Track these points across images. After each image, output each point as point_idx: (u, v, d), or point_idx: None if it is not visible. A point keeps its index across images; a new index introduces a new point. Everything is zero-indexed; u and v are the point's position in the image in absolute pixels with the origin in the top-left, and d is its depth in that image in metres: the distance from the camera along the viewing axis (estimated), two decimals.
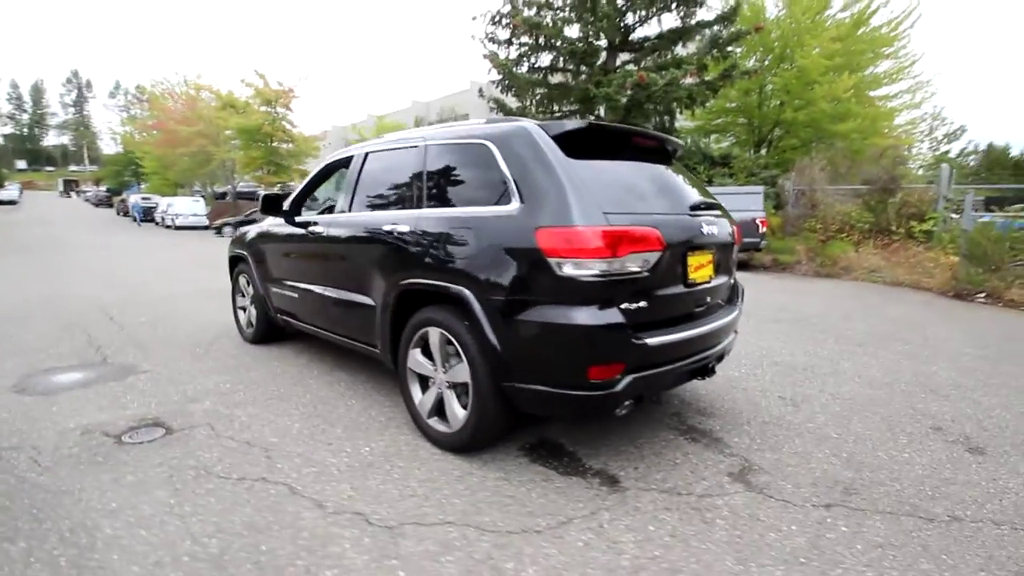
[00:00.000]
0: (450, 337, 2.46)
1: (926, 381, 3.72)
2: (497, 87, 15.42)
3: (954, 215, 9.72)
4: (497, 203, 2.36)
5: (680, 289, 2.39)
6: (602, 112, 15.58)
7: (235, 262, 4.71)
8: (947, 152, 29.77)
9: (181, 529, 1.97)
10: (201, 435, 2.78)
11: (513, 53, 16.00)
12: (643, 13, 15.13)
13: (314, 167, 3.88)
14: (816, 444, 2.73)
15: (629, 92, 12.86)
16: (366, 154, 3.29)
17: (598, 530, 1.99)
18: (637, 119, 14.02)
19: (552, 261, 2.09)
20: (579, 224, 2.07)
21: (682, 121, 17.83)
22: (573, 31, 15.43)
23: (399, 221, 2.78)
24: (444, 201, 2.64)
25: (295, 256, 3.80)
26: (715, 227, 2.61)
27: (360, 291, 3.05)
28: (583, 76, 14.95)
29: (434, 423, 2.64)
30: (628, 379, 2.15)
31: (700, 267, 2.50)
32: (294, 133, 23.90)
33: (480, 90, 16.06)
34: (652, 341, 2.18)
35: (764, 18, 15.37)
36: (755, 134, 17.68)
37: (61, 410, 3.09)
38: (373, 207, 3.11)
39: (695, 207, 2.58)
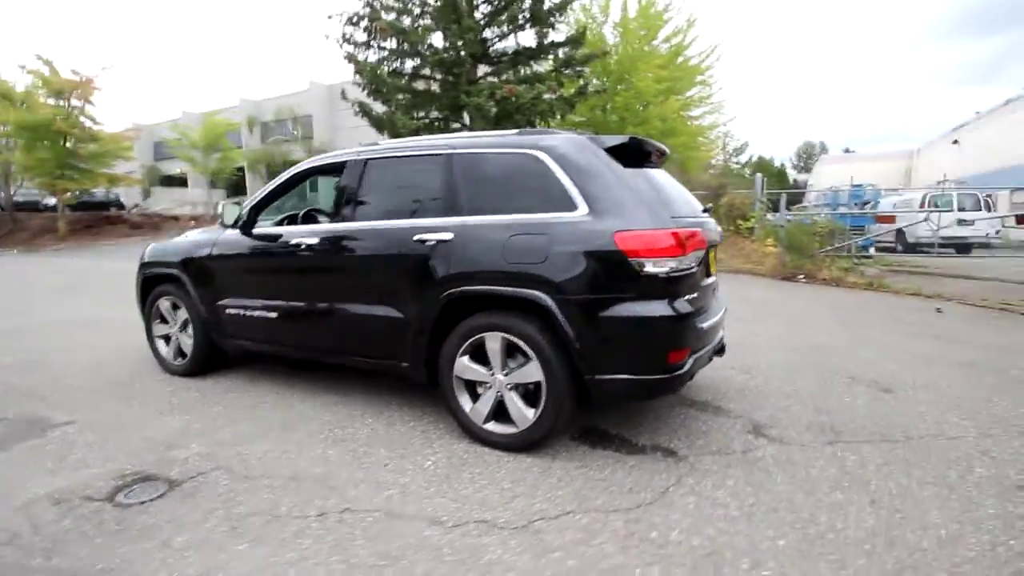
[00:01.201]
0: (514, 340, 2.54)
1: (816, 344, 4.74)
2: (363, 90, 14.88)
3: (769, 215, 12.11)
4: (557, 210, 2.51)
5: (708, 281, 2.80)
6: (467, 119, 16.10)
7: (152, 283, 4.00)
8: (738, 162, 36.47)
9: (340, 572, 1.77)
10: (222, 480, 2.42)
11: (372, 56, 15.67)
12: (502, 29, 15.91)
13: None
14: (784, 400, 3.37)
15: (498, 103, 13.42)
16: (365, 160, 3.13)
17: (695, 492, 2.27)
18: (506, 128, 14.70)
19: (633, 261, 2.32)
20: (656, 227, 2.34)
21: None
22: (436, 39, 15.65)
23: (435, 229, 2.74)
24: (488, 209, 2.68)
25: (269, 272, 3.41)
26: (714, 228, 3.08)
27: (381, 304, 2.91)
28: (450, 85, 15.16)
29: (492, 427, 2.68)
30: (691, 360, 2.48)
31: (712, 263, 2.94)
32: (98, 131, 19.99)
33: (343, 92, 15.37)
34: (703, 325, 2.55)
35: (605, 45, 17.21)
36: None
37: None
38: (386, 216, 2.99)
39: (704, 210, 3.03)
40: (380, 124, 15.83)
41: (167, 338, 4.03)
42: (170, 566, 1.83)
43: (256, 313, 3.40)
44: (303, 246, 3.16)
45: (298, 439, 2.84)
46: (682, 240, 2.37)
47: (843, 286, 8.30)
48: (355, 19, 15.57)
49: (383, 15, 14.63)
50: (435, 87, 15.94)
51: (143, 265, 4.02)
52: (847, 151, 51.80)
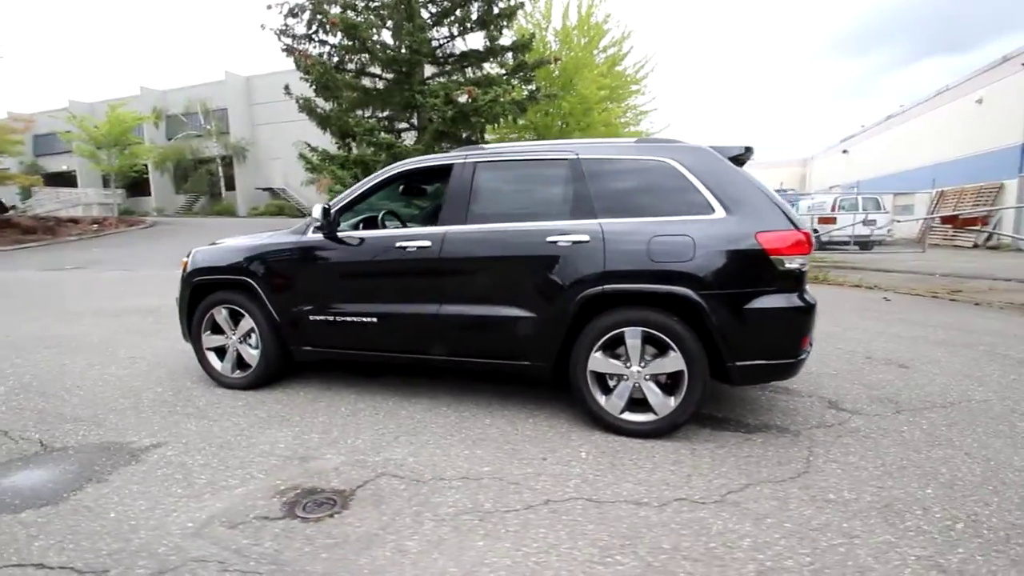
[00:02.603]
0: (654, 333, 2.75)
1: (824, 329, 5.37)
2: (311, 86, 14.22)
3: None
4: (694, 213, 2.75)
5: None
6: (415, 120, 15.95)
7: (203, 291, 3.73)
8: None
9: (597, 555, 1.87)
10: (397, 486, 2.40)
11: (313, 50, 15.05)
12: (452, 31, 15.93)
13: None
14: (832, 379, 3.85)
15: (460, 103, 13.42)
16: (474, 164, 3.18)
17: (832, 459, 2.60)
18: (462, 130, 14.74)
19: (774, 258, 2.62)
20: (793, 228, 2.65)
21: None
22: (385, 37, 15.34)
23: (570, 231, 2.87)
24: (622, 212, 2.86)
25: (368, 276, 3.33)
26: None
27: (509, 304, 2.98)
28: (401, 83, 14.91)
29: (628, 416, 2.86)
30: (810, 346, 2.83)
31: None
32: None
33: (287, 87, 14.55)
34: None
35: (551, 52, 17.75)
36: None
37: (128, 514, 2.21)
38: (506, 218, 3.07)
39: None
40: (325, 122, 15.24)
41: (220, 350, 3.77)
42: (424, 569, 1.84)
43: (351, 319, 3.31)
44: (414, 248, 3.14)
45: (434, 442, 2.85)
46: (809, 239, 2.70)
47: None
48: (296, 11, 14.92)
49: (332, 9, 14.10)
50: (380, 84, 15.62)
51: (193, 273, 3.72)
52: None
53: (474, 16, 15.46)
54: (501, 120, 15.38)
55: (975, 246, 16.97)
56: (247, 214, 31.01)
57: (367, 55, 15.00)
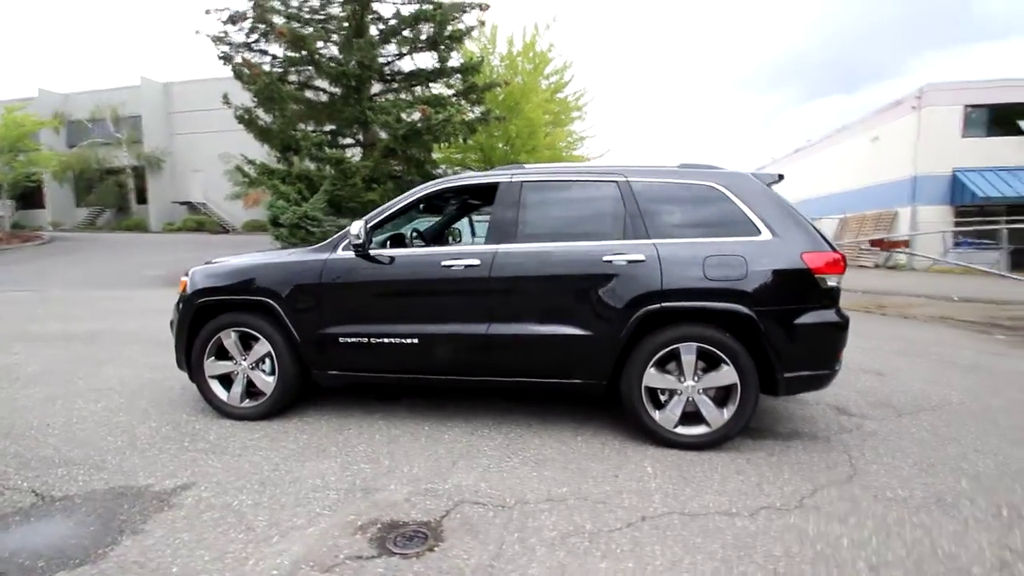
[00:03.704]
0: (708, 348, 2.87)
1: None
2: (254, 97, 13.52)
3: None
4: (742, 234, 2.92)
5: None
6: (362, 136, 15.61)
7: (207, 314, 3.41)
8: None
9: (722, 568, 1.89)
10: (484, 513, 2.31)
11: (254, 59, 14.41)
12: (401, 49, 15.84)
13: None
14: (828, 388, 4.16)
15: (415, 122, 13.31)
16: (521, 183, 3.18)
17: (871, 460, 2.82)
18: (414, 148, 14.59)
19: (817, 277, 2.84)
20: (830, 249, 2.89)
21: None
22: (332, 51, 14.98)
23: (626, 251, 2.95)
24: (674, 233, 2.98)
25: (406, 296, 3.20)
26: None
27: (563, 323, 2.99)
28: (350, 99, 14.57)
29: (681, 430, 2.94)
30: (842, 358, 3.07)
31: None
32: None
33: (225, 96, 13.71)
34: None
35: (500, 75, 18.12)
36: (490, 167, 20.48)
37: (194, 568, 1.98)
38: (556, 237, 3.09)
39: None
40: (266, 135, 14.56)
41: (224, 378, 3.46)
42: None
43: (389, 340, 3.16)
44: (461, 267, 3.08)
45: (495, 466, 2.77)
46: (844, 260, 2.95)
47: None
48: (236, 18, 14.22)
49: (275, 19, 13.57)
50: (324, 98, 15.18)
51: (197, 294, 3.40)
52: None
53: (424, 36, 15.49)
54: (451, 140, 15.42)
55: (876, 266, 19.11)
56: (161, 229, 28.59)
57: (313, 68, 14.55)
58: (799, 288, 2.86)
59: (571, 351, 3.00)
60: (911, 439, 3.14)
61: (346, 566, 1.95)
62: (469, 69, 16.07)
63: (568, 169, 3.28)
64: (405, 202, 3.32)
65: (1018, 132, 19.08)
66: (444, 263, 3.12)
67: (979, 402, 3.84)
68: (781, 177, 3.22)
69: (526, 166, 3.35)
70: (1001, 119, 19.31)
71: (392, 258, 3.25)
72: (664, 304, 2.88)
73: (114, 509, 2.38)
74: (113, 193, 28.92)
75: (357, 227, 3.10)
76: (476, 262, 3.08)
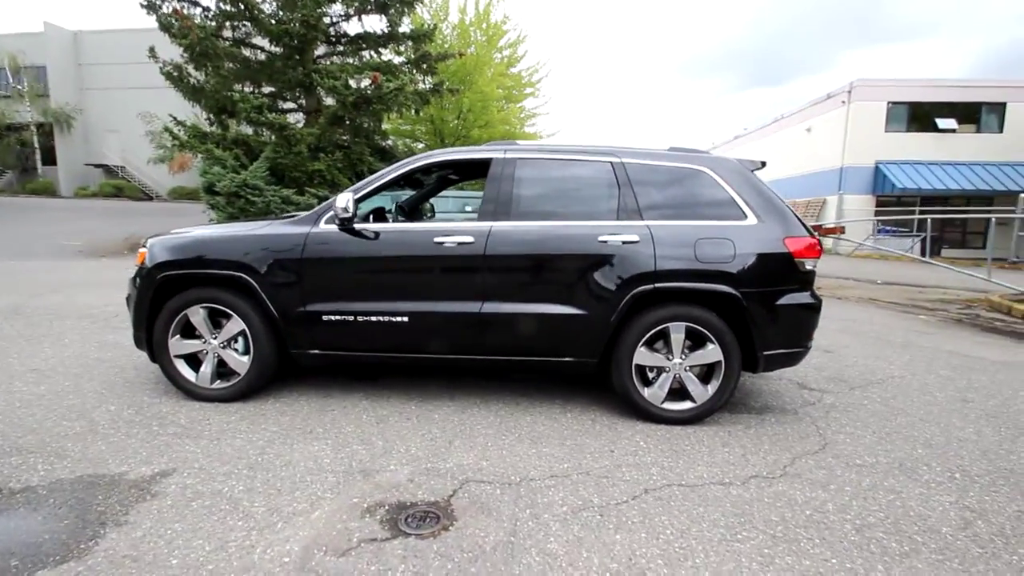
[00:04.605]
0: (694, 327, 2.98)
1: None
2: (184, 52, 12.38)
3: None
4: (730, 218, 3.02)
5: None
6: (304, 101, 14.77)
7: (171, 289, 3.16)
8: None
9: (727, 534, 1.99)
10: (493, 492, 2.31)
11: (184, 11, 13.19)
12: (347, 10, 15.00)
13: None
14: None
15: (365, 89, 12.71)
16: (515, 160, 3.13)
17: (839, 431, 3.05)
18: (364, 117, 13.97)
19: (797, 260, 2.99)
20: (809, 235, 3.05)
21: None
22: (270, 6, 13.95)
23: (620, 231, 2.98)
24: (665, 215, 3.04)
25: (397, 272, 3.08)
26: None
27: (558, 302, 3.00)
28: (293, 60, 13.69)
29: (669, 405, 3.06)
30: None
31: None
32: None
33: (152, 49, 12.49)
34: None
35: (453, 45, 17.57)
36: (441, 142, 20.01)
37: (196, 559, 1.87)
38: (549, 216, 3.07)
39: None
40: (198, 94, 13.46)
41: (191, 357, 3.23)
42: (586, 569, 1.83)
43: (376, 318, 3.06)
44: (454, 244, 3.00)
45: (493, 443, 2.78)
46: (821, 245, 3.13)
47: None
48: None
49: None
50: (262, 57, 14.20)
51: (159, 267, 3.12)
52: None
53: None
54: (403, 111, 14.90)
55: None
56: (73, 194, 26.03)
57: (251, 23, 13.51)
58: (780, 271, 3.01)
59: (565, 330, 3.03)
60: (866, 411, 3.43)
61: (363, 549, 1.90)
62: (421, 36, 15.46)
63: (562, 147, 3.25)
64: (394, 175, 3.18)
65: (935, 129, 20.84)
66: (437, 239, 3.03)
67: (917, 378, 4.23)
68: (763, 164, 3.35)
69: (519, 142, 3.30)
70: (920, 116, 21.00)
71: (378, 233, 3.12)
72: (657, 284, 2.95)
73: (87, 500, 2.19)
74: (14, 152, 25.92)
75: (344, 199, 2.94)
76: (470, 239, 3.01)
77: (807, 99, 23.61)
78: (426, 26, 15.83)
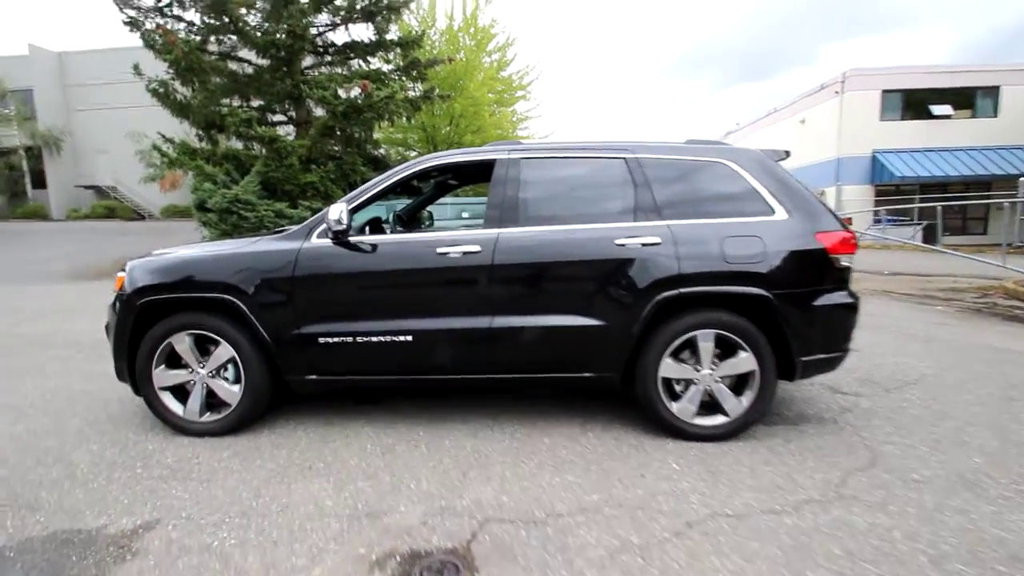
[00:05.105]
0: (724, 334, 2.74)
1: None
2: (170, 68, 12.15)
3: None
4: (756, 214, 2.79)
5: None
6: (295, 113, 14.56)
7: (153, 315, 2.90)
8: None
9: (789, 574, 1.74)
10: (517, 533, 2.06)
11: (167, 24, 12.99)
12: (334, 19, 14.81)
13: None
14: None
15: (355, 98, 12.49)
16: (520, 160, 2.89)
17: (884, 441, 2.81)
18: (355, 126, 13.74)
19: (832, 257, 2.75)
20: (843, 228, 2.81)
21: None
22: (255, 18, 13.74)
23: (639, 233, 2.74)
24: (686, 213, 2.80)
25: (399, 287, 2.83)
26: None
27: (575, 313, 2.75)
28: (280, 72, 13.47)
29: (700, 421, 2.81)
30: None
31: None
32: None
33: (136, 66, 12.23)
34: None
35: (441, 51, 17.38)
36: (434, 149, 19.80)
37: None
38: (560, 220, 2.83)
39: None
40: (185, 110, 13.22)
41: (179, 389, 2.98)
42: None
43: (378, 339, 2.80)
44: (459, 254, 2.76)
45: (512, 473, 2.52)
46: (855, 238, 2.89)
47: None
48: None
49: None
50: (249, 70, 13.97)
51: (137, 292, 2.87)
52: None
53: (359, 5, 14.50)
54: (394, 118, 14.68)
55: None
56: (65, 216, 25.74)
57: (237, 36, 13.29)
58: (815, 269, 2.78)
59: (583, 344, 2.78)
60: (908, 416, 3.18)
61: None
62: (410, 43, 15.28)
63: (570, 145, 3.01)
64: (389, 182, 2.93)
65: (930, 116, 20.72)
66: (440, 250, 2.78)
67: (951, 375, 3.99)
68: (788, 154, 3.12)
69: (523, 142, 3.06)
70: (915, 104, 20.87)
71: (376, 245, 2.87)
72: (682, 289, 2.70)
73: (60, 563, 1.94)
74: (3, 177, 25.63)
75: (337, 211, 2.69)
76: (476, 248, 2.77)
77: (796, 91, 23.57)
78: (414, 33, 15.68)
